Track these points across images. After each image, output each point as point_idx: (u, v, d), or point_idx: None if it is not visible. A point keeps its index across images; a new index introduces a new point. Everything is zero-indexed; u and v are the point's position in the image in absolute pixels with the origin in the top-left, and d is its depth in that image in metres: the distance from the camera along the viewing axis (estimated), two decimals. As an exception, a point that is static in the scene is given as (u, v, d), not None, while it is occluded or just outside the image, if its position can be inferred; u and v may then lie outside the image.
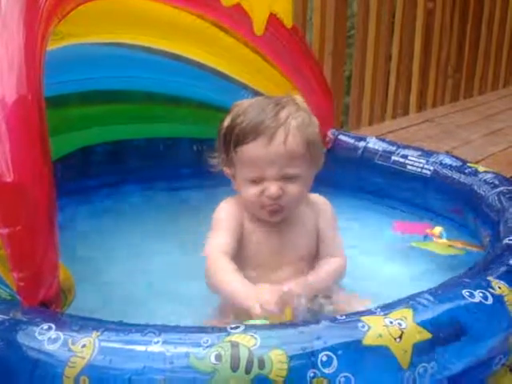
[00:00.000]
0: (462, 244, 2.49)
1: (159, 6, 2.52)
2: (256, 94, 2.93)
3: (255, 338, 1.42)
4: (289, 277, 2.06)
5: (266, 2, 2.64)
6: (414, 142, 4.28)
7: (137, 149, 3.19)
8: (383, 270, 2.45)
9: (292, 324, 1.53)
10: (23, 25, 1.71)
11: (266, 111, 1.99)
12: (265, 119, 1.96)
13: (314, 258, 2.18)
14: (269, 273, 2.05)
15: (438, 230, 2.58)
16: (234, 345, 1.40)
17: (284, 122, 1.97)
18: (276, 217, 2.07)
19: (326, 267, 2.14)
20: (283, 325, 1.56)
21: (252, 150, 1.97)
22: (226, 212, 2.13)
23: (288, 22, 2.71)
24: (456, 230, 2.70)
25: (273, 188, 1.99)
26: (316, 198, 2.24)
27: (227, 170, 2.13)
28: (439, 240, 2.54)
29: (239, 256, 2.08)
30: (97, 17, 2.35)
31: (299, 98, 2.13)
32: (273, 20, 2.62)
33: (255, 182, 2.01)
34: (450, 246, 2.48)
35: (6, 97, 1.60)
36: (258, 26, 2.55)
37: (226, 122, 2.07)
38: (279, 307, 1.71)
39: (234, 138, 2.00)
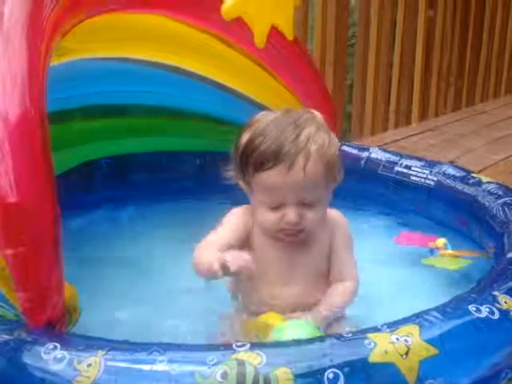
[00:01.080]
0: (469, 253, 2.49)
1: (160, 20, 2.52)
2: (258, 106, 2.93)
3: (261, 356, 1.42)
4: (299, 293, 2.04)
5: (267, 14, 2.64)
6: (416, 152, 4.29)
7: (139, 162, 3.18)
8: (384, 282, 2.43)
9: (298, 342, 1.53)
10: (26, 40, 1.71)
11: (286, 133, 1.93)
12: (284, 143, 1.91)
13: (326, 275, 2.14)
14: (278, 290, 2.02)
15: (441, 241, 2.58)
16: (240, 363, 1.40)
17: (304, 146, 1.91)
18: (293, 239, 2.04)
19: (339, 298, 2.08)
20: (289, 343, 1.55)
21: (271, 177, 1.93)
22: (233, 215, 2.11)
23: (289, 34, 2.71)
24: (460, 240, 2.68)
25: (292, 215, 1.95)
26: (333, 214, 2.18)
27: (243, 186, 2.09)
28: (445, 252, 2.53)
29: None
30: (99, 32, 2.34)
31: (318, 115, 2.07)
32: (274, 33, 2.62)
33: (273, 207, 1.98)
34: (457, 256, 2.48)
35: (9, 113, 1.60)
36: (260, 39, 2.54)
37: (245, 138, 2.01)
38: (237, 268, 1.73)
39: (253, 162, 1.96)
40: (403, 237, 2.76)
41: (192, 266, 1.97)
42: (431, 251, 2.59)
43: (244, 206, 2.14)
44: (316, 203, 1.99)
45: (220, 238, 2.01)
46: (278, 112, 2.06)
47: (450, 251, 2.52)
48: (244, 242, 2.07)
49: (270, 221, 2.00)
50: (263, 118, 2.03)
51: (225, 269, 1.75)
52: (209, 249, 1.93)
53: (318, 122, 2.03)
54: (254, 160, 1.95)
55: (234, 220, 2.09)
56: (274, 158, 1.91)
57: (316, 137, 1.96)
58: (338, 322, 2.02)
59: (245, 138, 2.01)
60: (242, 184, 2.09)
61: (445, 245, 2.56)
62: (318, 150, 1.93)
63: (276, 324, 1.84)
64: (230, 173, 2.12)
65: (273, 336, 1.78)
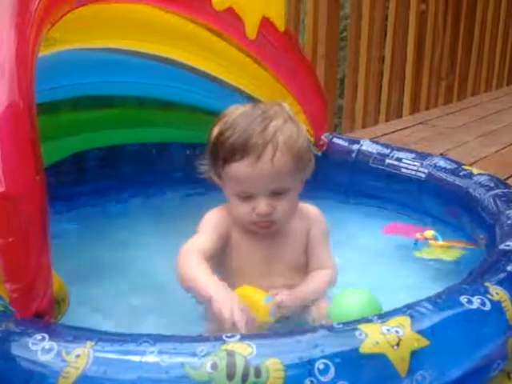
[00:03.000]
0: (459, 243, 2.49)
1: (151, 11, 2.50)
2: (249, 98, 2.92)
3: (251, 347, 1.41)
4: (278, 287, 2.04)
5: (258, 5, 2.63)
6: (407, 145, 4.29)
7: (129, 154, 3.17)
8: (373, 274, 2.43)
9: (289, 332, 1.52)
10: (14, 30, 1.69)
11: (254, 125, 1.96)
12: (252, 135, 1.94)
13: (304, 268, 2.17)
14: (257, 284, 2.01)
15: (430, 233, 2.58)
16: (230, 353, 1.39)
17: (271, 137, 1.95)
18: (267, 231, 2.08)
19: (317, 280, 2.13)
20: (280, 333, 1.54)
21: (239, 168, 1.96)
22: (211, 217, 2.14)
23: (281, 25, 2.70)
24: (448, 230, 2.69)
25: (262, 206, 1.99)
26: (309, 209, 2.22)
27: (216, 180, 2.12)
28: (436, 243, 2.53)
29: (227, 266, 2.09)
30: (88, 22, 2.33)
31: (287, 106, 2.11)
32: (265, 24, 2.61)
33: (244, 198, 2.01)
34: (449, 247, 2.48)
35: (-4, 105, 1.58)
36: (251, 30, 2.54)
37: (215, 131, 2.06)
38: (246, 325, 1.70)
39: (222, 154, 1.99)
40: (390, 227, 2.76)
41: (176, 274, 1.98)
42: (416, 242, 2.60)
43: (221, 205, 2.16)
44: (286, 193, 2.01)
45: (201, 243, 2.03)
46: (247, 105, 2.10)
47: (440, 242, 2.52)
48: (224, 241, 2.10)
49: (243, 213, 2.03)
50: (233, 112, 2.06)
51: (232, 324, 1.71)
52: (195, 264, 1.93)
53: (287, 114, 2.06)
54: (223, 152, 1.99)
55: (212, 222, 2.12)
56: (243, 149, 1.94)
57: (284, 128, 1.99)
58: (317, 307, 2.04)
59: (215, 131, 2.05)
60: (214, 178, 2.12)
61: (434, 236, 2.56)
62: (285, 142, 1.97)
63: (261, 299, 1.89)
64: (204, 167, 2.16)
65: (333, 313, 1.86)
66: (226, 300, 1.75)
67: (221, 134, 2.01)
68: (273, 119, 1.99)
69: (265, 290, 1.97)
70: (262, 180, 1.96)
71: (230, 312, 1.70)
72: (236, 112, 2.05)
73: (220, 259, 2.09)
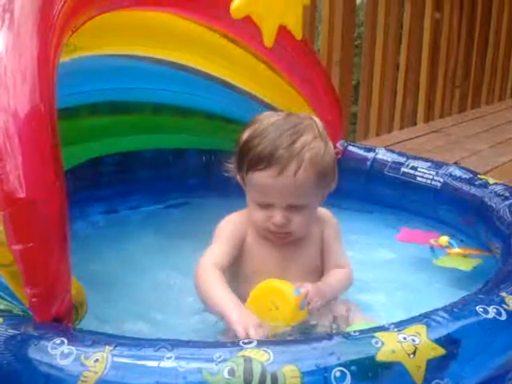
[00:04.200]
0: (476, 251, 2.49)
1: (169, 19, 2.52)
2: (264, 104, 2.93)
3: (268, 353, 1.41)
4: None
5: (276, 14, 2.63)
6: (421, 153, 4.29)
7: (146, 160, 3.18)
8: (388, 282, 2.44)
9: (305, 340, 1.53)
10: (37, 36, 1.70)
11: (283, 138, 1.97)
12: (279, 147, 1.95)
13: (320, 272, 2.19)
14: None
15: (444, 239, 2.58)
16: (247, 360, 1.40)
17: (298, 153, 1.96)
18: (282, 241, 2.10)
19: (337, 276, 2.15)
20: (296, 340, 1.55)
21: (262, 177, 1.98)
22: (228, 224, 2.15)
23: (298, 34, 2.70)
24: (462, 238, 2.70)
25: (278, 217, 2.01)
26: (322, 212, 2.23)
27: (240, 181, 2.14)
28: (453, 251, 2.52)
29: (242, 269, 2.12)
30: (107, 29, 2.35)
31: (319, 122, 2.11)
32: (283, 32, 2.61)
33: (263, 206, 2.03)
34: (465, 255, 2.48)
35: (18, 109, 1.59)
36: (268, 38, 2.54)
37: (245, 136, 2.07)
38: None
39: (247, 161, 2.01)
40: (403, 234, 2.76)
41: (195, 288, 2.01)
42: (432, 248, 2.60)
43: (238, 212, 2.19)
44: (303, 208, 2.03)
45: (218, 255, 2.05)
46: (280, 114, 2.10)
47: (457, 250, 2.51)
48: (240, 247, 2.12)
49: (259, 219, 2.05)
50: (265, 119, 2.07)
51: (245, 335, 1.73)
52: (213, 280, 1.95)
53: (318, 130, 2.06)
54: (248, 159, 2.01)
55: (228, 230, 2.13)
56: (267, 160, 1.96)
57: (312, 145, 2.00)
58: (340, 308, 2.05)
59: (245, 135, 2.07)
60: (238, 179, 2.14)
61: (449, 242, 2.56)
62: (311, 158, 1.98)
63: (290, 292, 1.90)
64: (230, 166, 2.18)
65: None
66: (242, 320, 1.76)
67: (249, 139, 2.03)
68: (303, 134, 2.00)
69: None
70: (281, 193, 1.98)
71: (244, 332, 1.71)
72: (268, 120, 2.05)
73: (235, 262, 2.10)
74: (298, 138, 1.98)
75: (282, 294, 1.90)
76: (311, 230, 2.17)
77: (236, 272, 2.12)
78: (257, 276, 2.07)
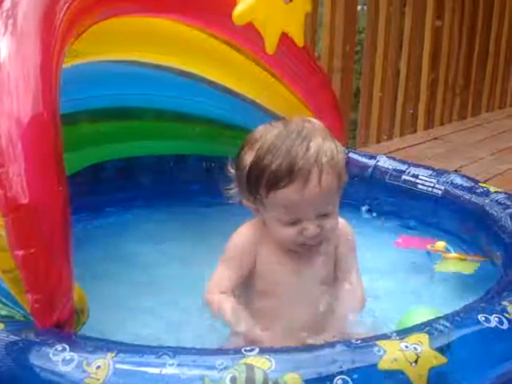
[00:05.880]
0: (472, 256, 2.50)
1: (171, 25, 2.52)
2: (266, 111, 2.93)
3: (270, 361, 1.41)
4: (307, 301, 2.02)
5: (278, 21, 2.64)
6: (421, 160, 4.28)
7: (147, 166, 3.19)
8: (386, 290, 2.43)
9: (307, 348, 1.53)
10: (40, 41, 1.71)
11: (295, 148, 1.88)
12: (296, 158, 1.86)
13: (333, 280, 2.13)
14: (287, 297, 2.00)
15: (441, 244, 2.59)
16: (249, 367, 1.40)
17: (315, 160, 1.87)
18: (316, 249, 2.04)
19: (355, 300, 2.09)
20: (298, 348, 1.55)
21: (286, 195, 1.88)
22: (239, 240, 2.07)
23: (299, 41, 2.71)
24: (459, 243, 2.70)
25: (312, 228, 1.92)
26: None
27: (249, 204, 2.04)
28: (449, 255, 2.53)
29: (256, 282, 2.05)
30: (109, 35, 2.35)
31: (317, 122, 2.04)
32: (285, 39, 2.62)
33: (291, 223, 1.94)
34: (462, 259, 2.49)
35: (21, 115, 1.60)
36: (270, 45, 2.54)
37: (249, 159, 1.95)
38: None
39: (265, 182, 1.90)
40: (402, 240, 2.76)
41: (206, 306, 1.98)
42: (429, 254, 2.61)
43: (248, 223, 2.11)
44: (332, 212, 1.97)
45: (226, 279, 2.00)
46: (276, 125, 2.00)
47: (453, 254, 2.52)
48: (252, 264, 2.05)
49: (289, 236, 1.96)
50: (264, 135, 1.97)
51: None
52: (227, 308, 1.92)
53: (321, 131, 1.99)
54: (266, 180, 1.90)
55: (239, 247, 2.05)
56: (288, 175, 1.86)
57: (325, 147, 1.92)
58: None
59: (249, 157, 1.96)
60: (248, 203, 2.05)
61: (445, 248, 2.56)
62: (329, 162, 1.90)
63: None
64: (233, 191, 2.10)
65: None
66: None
67: (259, 160, 1.92)
68: (311, 138, 1.91)
69: (294, 309, 1.98)
70: (310, 204, 1.90)
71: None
72: (269, 135, 1.95)
73: (248, 274, 2.05)
74: (309, 143, 1.89)
75: None
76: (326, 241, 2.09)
77: (249, 284, 2.06)
78: (271, 286, 2.03)
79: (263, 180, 1.90)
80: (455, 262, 2.48)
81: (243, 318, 1.85)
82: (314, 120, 2.06)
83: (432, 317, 1.68)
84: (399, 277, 2.53)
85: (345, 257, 2.14)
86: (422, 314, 1.85)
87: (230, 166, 2.08)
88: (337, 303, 2.06)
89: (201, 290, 2.10)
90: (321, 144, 1.92)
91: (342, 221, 2.14)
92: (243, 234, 2.08)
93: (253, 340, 1.74)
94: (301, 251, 2.02)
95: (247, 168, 1.96)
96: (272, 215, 1.97)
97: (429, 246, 2.61)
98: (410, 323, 1.75)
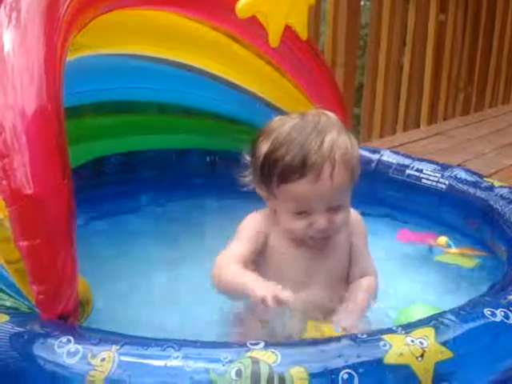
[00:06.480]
0: (472, 251, 2.49)
1: (174, 18, 2.52)
2: (269, 105, 2.92)
3: (276, 355, 1.41)
4: (319, 296, 2.01)
5: (281, 14, 2.62)
6: (425, 155, 4.26)
7: (149, 159, 3.18)
8: (384, 286, 2.43)
9: (313, 342, 1.52)
10: (43, 34, 1.71)
11: (310, 142, 1.88)
12: (310, 152, 1.86)
13: (346, 272, 2.13)
14: (299, 291, 1.95)
15: (443, 240, 2.60)
16: (255, 361, 1.40)
17: (329, 154, 1.87)
18: (323, 245, 2.04)
19: (365, 293, 2.07)
20: (304, 342, 1.55)
21: (298, 188, 1.89)
22: (249, 223, 2.08)
23: (303, 34, 2.70)
24: (460, 238, 2.70)
25: (321, 222, 1.93)
26: (350, 212, 2.13)
27: (262, 193, 2.05)
28: (450, 250, 2.54)
29: (266, 275, 1.99)
30: (112, 28, 2.34)
31: (332, 115, 2.02)
32: (288, 32, 2.61)
33: (301, 214, 1.94)
34: (463, 254, 2.48)
35: (25, 108, 1.60)
36: (274, 39, 2.53)
37: (264, 147, 1.96)
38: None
39: (278, 173, 1.91)
40: (403, 234, 2.76)
41: (214, 282, 1.97)
42: (431, 249, 2.61)
43: (259, 211, 2.12)
44: (343, 206, 1.97)
45: (238, 254, 1.99)
46: (293, 117, 2.01)
47: (454, 249, 2.53)
48: (263, 249, 2.06)
49: (298, 228, 1.97)
50: (281, 126, 1.97)
51: (279, 303, 1.70)
52: (234, 269, 1.91)
53: (337, 124, 1.98)
54: (279, 171, 1.91)
55: (251, 228, 2.07)
56: (301, 169, 1.87)
57: (339, 142, 1.91)
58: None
59: (264, 147, 1.97)
60: (261, 192, 2.06)
61: (447, 243, 2.57)
62: (342, 157, 1.90)
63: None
64: (247, 179, 2.10)
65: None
66: (267, 289, 1.71)
67: (273, 150, 1.93)
68: (327, 133, 1.91)
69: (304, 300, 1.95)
70: (321, 198, 1.90)
71: (272, 298, 1.68)
72: (286, 126, 1.96)
73: (257, 267, 2.03)
74: (324, 137, 1.89)
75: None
76: (340, 234, 2.09)
77: (257, 272, 2.01)
78: (280, 281, 1.95)
79: (276, 171, 1.91)
80: (455, 257, 2.49)
81: (265, 282, 1.80)
82: (330, 113, 2.04)
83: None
84: (399, 271, 2.52)
85: (359, 249, 2.14)
86: (419, 312, 1.85)
87: (247, 152, 2.09)
88: (350, 296, 2.07)
89: (204, 284, 2.11)
90: (335, 138, 1.91)
91: (352, 211, 2.13)
92: (254, 218, 2.10)
93: (279, 301, 1.70)
94: (310, 243, 2.02)
95: (262, 157, 1.97)
96: (283, 206, 1.98)
97: (431, 241, 2.61)
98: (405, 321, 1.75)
